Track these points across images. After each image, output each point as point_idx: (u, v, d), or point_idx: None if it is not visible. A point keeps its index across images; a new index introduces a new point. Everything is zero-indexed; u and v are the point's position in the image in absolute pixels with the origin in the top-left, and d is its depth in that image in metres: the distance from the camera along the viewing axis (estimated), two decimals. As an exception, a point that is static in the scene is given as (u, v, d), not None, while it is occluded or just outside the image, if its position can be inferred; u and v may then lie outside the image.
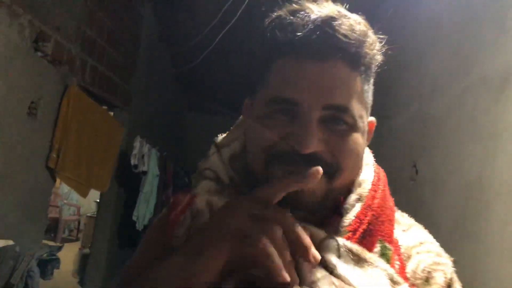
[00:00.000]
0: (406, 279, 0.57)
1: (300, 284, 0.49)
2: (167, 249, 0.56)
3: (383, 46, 0.61)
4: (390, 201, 0.65)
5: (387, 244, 0.58)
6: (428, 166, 2.29)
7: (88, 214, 7.35)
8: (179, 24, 4.36)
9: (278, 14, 0.57)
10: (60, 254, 2.48)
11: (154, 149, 4.24)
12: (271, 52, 0.58)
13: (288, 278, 0.45)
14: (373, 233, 0.57)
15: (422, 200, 2.27)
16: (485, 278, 1.60)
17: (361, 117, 0.57)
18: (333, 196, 0.58)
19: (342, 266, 0.53)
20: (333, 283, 0.51)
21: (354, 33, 0.54)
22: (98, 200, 4.51)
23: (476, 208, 1.73)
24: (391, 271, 0.55)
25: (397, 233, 0.63)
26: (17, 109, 2.30)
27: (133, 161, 3.80)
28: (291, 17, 0.55)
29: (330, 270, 0.52)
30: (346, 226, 0.57)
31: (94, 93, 3.15)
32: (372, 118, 0.66)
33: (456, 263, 1.81)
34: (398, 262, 0.58)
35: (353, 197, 0.60)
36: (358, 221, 0.57)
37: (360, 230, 0.56)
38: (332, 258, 0.53)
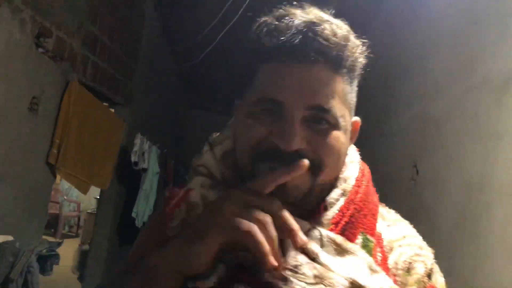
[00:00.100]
0: (387, 269, 0.61)
1: (285, 265, 0.54)
2: (164, 240, 0.59)
3: (366, 49, 0.63)
4: (374, 196, 0.69)
5: (369, 237, 0.62)
6: (429, 166, 2.29)
7: (88, 211, 7.38)
8: (181, 21, 4.36)
9: (264, 19, 0.61)
10: (60, 250, 2.48)
11: (155, 146, 4.25)
12: (258, 56, 0.61)
13: (275, 263, 0.49)
14: (355, 226, 0.61)
15: (423, 200, 2.27)
16: (485, 279, 1.60)
17: (343, 116, 0.60)
18: (317, 191, 0.61)
19: (324, 255, 0.56)
20: (315, 268, 0.55)
21: (335, 37, 0.57)
22: (98, 197, 4.52)
23: (477, 209, 1.73)
24: (370, 260, 0.59)
25: (382, 228, 0.67)
26: (18, 104, 2.30)
27: (133, 158, 3.81)
28: (276, 22, 0.58)
29: (313, 258, 0.56)
30: (330, 219, 0.60)
31: (95, 90, 3.15)
32: (357, 118, 0.69)
33: (456, 264, 1.82)
34: (380, 254, 0.62)
35: (337, 192, 0.63)
36: (341, 214, 0.61)
37: (342, 222, 0.60)
38: (315, 247, 0.57)
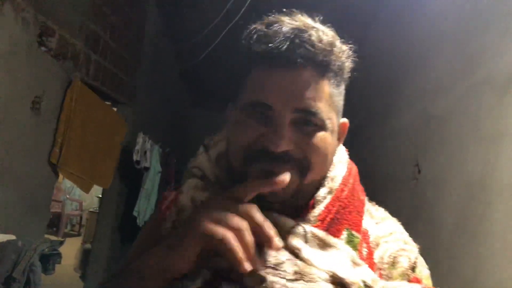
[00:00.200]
0: (373, 264, 0.65)
1: (266, 264, 0.58)
2: (158, 241, 0.62)
3: (352, 53, 0.67)
4: (361, 194, 0.73)
5: (354, 232, 0.65)
6: (430, 166, 2.29)
7: (90, 209, 7.38)
8: (184, 20, 4.36)
9: (254, 26, 0.64)
10: (62, 249, 2.48)
11: (157, 145, 4.25)
12: (248, 61, 0.65)
13: (248, 269, 0.52)
14: (340, 222, 0.65)
15: (424, 200, 2.27)
16: (487, 278, 1.60)
17: (329, 118, 0.63)
18: (306, 190, 0.65)
19: (306, 250, 0.60)
20: (296, 264, 0.58)
21: (321, 43, 0.61)
22: (100, 196, 4.53)
23: (478, 208, 1.73)
24: (353, 253, 0.62)
25: (369, 225, 0.70)
26: (20, 103, 2.30)
27: (135, 157, 3.82)
28: (265, 29, 0.61)
29: (296, 254, 0.60)
30: (316, 215, 0.64)
31: (97, 89, 3.15)
32: (345, 119, 0.73)
33: (458, 263, 1.81)
34: (366, 250, 0.66)
35: (324, 190, 0.67)
36: (327, 211, 0.65)
37: (328, 219, 0.64)
38: (298, 243, 0.60)
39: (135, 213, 3.94)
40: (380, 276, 0.64)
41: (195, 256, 0.55)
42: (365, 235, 0.68)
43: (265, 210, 0.58)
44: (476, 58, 1.93)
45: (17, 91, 2.25)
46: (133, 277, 0.59)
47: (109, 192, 3.83)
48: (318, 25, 0.64)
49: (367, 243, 0.67)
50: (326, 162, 0.66)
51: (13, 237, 2.18)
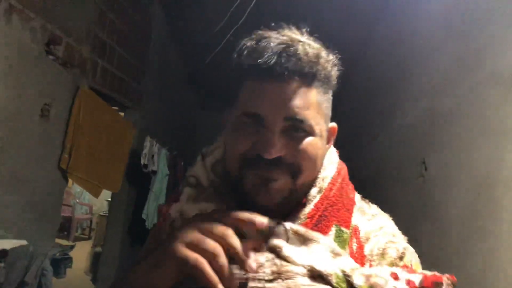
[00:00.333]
0: (363, 257, 0.69)
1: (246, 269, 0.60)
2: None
3: (338, 62, 0.73)
4: (350, 193, 0.77)
5: (343, 228, 0.70)
6: (437, 163, 2.28)
7: (100, 213, 7.44)
8: (189, 23, 4.38)
9: (245, 41, 0.69)
10: (73, 252, 2.51)
11: (164, 149, 4.28)
12: (240, 75, 0.70)
13: None
14: (328, 219, 0.70)
15: (431, 197, 2.27)
16: (495, 274, 1.60)
17: (317, 124, 0.68)
18: (299, 191, 0.69)
19: (287, 248, 0.63)
20: (275, 264, 0.61)
21: (307, 56, 0.65)
22: (110, 199, 4.57)
23: (486, 205, 1.73)
24: (333, 244, 0.66)
25: (361, 221, 0.75)
26: (30, 111, 2.33)
27: (143, 161, 3.85)
28: (255, 45, 0.66)
29: (277, 253, 0.62)
30: (306, 213, 0.69)
31: (105, 94, 3.18)
32: (333, 124, 0.78)
33: (466, 260, 1.81)
34: (356, 244, 0.70)
35: (315, 190, 0.72)
36: (316, 209, 0.70)
37: (316, 216, 0.69)
38: (279, 242, 0.63)
39: (144, 216, 3.97)
40: (371, 267, 0.68)
41: (175, 276, 0.57)
42: (356, 230, 0.72)
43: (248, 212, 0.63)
44: (481, 54, 1.92)
45: (26, 99, 2.28)
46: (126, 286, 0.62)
47: (118, 196, 3.86)
48: (304, 38, 0.69)
49: (357, 238, 0.71)
50: (315, 164, 0.70)
51: (24, 242, 2.22)
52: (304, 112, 0.66)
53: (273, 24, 0.70)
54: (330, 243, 0.66)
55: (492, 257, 1.64)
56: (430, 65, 2.53)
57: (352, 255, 0.68)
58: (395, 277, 0.61)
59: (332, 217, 0.70)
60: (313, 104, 0.67)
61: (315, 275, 0.62)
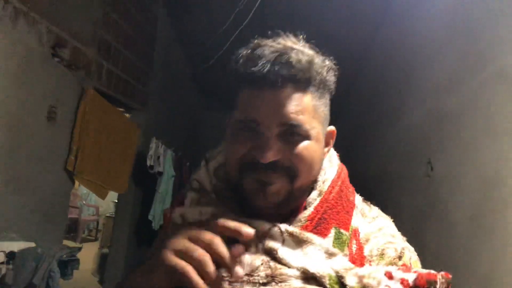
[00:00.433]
0: (363, 258, 0.71)
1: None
2: None
3: (334, 66, 0.74)
4: (350, 195, 0.78)
5: (342, 230, 0.72)
6: (443, 162, 2.28)
7: (107, 214, 7.47)
8: (194, 24, 4.40)
9: (241, 50, 0.71)
10: (80, 254, 2.53)
11: (170, 150, 4.29)
12: (238, 83, 0.72)
13: None
14: (327, 221, 0.71)
15: (438, 197, 2.26)
16: (503, 274, 1.59)
17: (313, 128, 0.70)
18: (296, 194, 0.71)
19: (282, 250, 0.65)
20: (269, 267, 0.63)
21: (300, 63, 0.67)
22: (116, 201, 4.59)
23: (493, 204, 1.72)
24: (326, 244, 0.68)
25: (361, 223, 0.76)
26: (36, 114, 2.35)
27: (148, 162, 3.86)
28: (250, 54, 0.69)
29: (273, 255, 0.65)
30: (306, 216, 0.71)
31: (110, 96, 3.20)
32: (332, 127, 0.79)
33: (473, 259, 1.79)
34: (355, 246, 0.72)
35: (315, 193, 0.75)
36: (315, 212, 0.72)
37: (316, 219, 0.71)
38: (275, 244, 0.66)
39: (150, 218, 3.98)
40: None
41: (167, 283, 0.59)
42: (355, 232, 0.74)
43: (244, 215, 0.68)
44: (487, 53, 1.91)
45: (32, 102, 2.30)
46: None
47: (124, 197, 3.88)
48: (299, 45, 0.71)
49: (357, 239, 0.73)
50: (312, 167, 0.71)
51: (32, 244, 2.23)
52: (299, 117, 0.68)
53: (269, 32, 0.73)
54: (325, 243, 0.68)
55: (499, 257, 1.63)
56: (435, 65, 2.52)
57: (351, 256, 0.70)
58: (390, 276, 0.62)
59: (331, 219, 0.72)
60: (308, 109, 0.69)
61: (309, 277, 0.63)
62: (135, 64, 3.60)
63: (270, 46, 0.69)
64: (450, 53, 2.33)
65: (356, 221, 0.76)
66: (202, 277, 0.56)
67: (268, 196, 0.68)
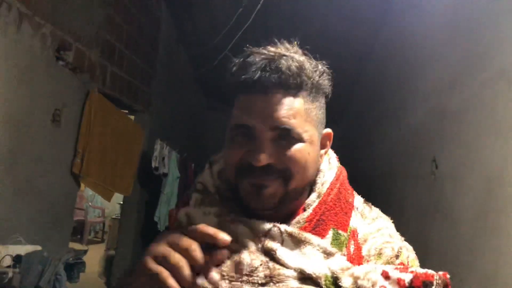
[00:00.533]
0: (361, 257, 0.72)
1: (242, 272, 0.64)
2: None
3: (326, 70, 0.76)
4: (349, 197, 0.79)
5: (340, 231, 0.73)
6: (448, 161, 2.27)
7: (113, 216, 7.49)
8: (197, 25, 4.40)
9: (235, 59, 0.73)
10: (86, 256, 2.54)
11: (174, 151, 4.30)
12: (232, 90, 0.75)
13: None
14: (325, 223, 0.73)
15: (442, 195, 2.26)
16: (508, 272, 1.59)
17: (306, 131, 0.72)
18: (292, 196, 0.73)
19: (281, 250, 0.67)
20: (268, 268, 0.65)
21: (290, 70, 0.69)
22: (122, 202, 4.60)
23: (497, 202, 1.72)
24: (325, 245, 0.69)
25: (360, 224, 0.78)
26: (41, 117, 2.36)
27: (153, 164, 3.86)
28: (242, 62, 0.71)
29: (272, 255, 0.66)
30: (305, 218, 0.72)
31: (115, 98, 3.21)
32: (328, 130, 0.81)
33: (478, 258, 1.79)
34: (353, 246, 0.73)
35: (314, 195, 0.76)
36: (314, 213, 0.73)
37: (314, 220, 0.72)
38: (274, 245, 0.67)
39: (156, 219, 3.99)
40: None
41: (149, 286, 0.60)
42: (354, 233, 0.75)
43: (244, 217, 0.70)
44: (490, 51, 1.91)
45: (37, 105, 2.31)
46: None
47: (129, 199, 3.90)
48: (290, 52, 0.73)
49: (355, 240, 0.74)
50: (306, 169, 0.73)
51: (38, 247, 2.24)
52: (291, 120, 0.70)
53: (263, 41, 0.75)
54: (323, 243, 0.69)
55: (503, 254, 1.62)
56: (439, 64, 2.51)
57: (349, 256, 0.71)
58: (386, 276, 0.62)
59: (329, 221, 0.73)
60: (300, 113, 0.71)
61: (306, 278, 0.65)
62: (139, 66, 3.61)
63: (261, 53, 0.71)
64: (452, 52, 2.32)
65: (355, 222, 0.77)
66: (179, 282, 0.58)
67: (264, 199, 0.70)
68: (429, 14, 2.79)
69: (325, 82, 0.76)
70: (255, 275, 0.64)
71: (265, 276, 0.64)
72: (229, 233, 0.65)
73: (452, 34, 2.36)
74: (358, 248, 0.74)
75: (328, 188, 0.77)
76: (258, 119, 0.70)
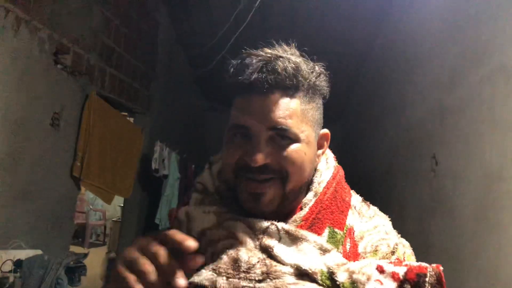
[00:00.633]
0: (357, 254, 0.74)
1: (239, 269, 0.65)
2: None
3: (322, 71, 0.76)
4: (346, 196, 0.80)
5: (336, 230, 0.74)
6: (447, 157, 2.27)
7: (114, 219, 7.48)
8: (195, 26, 4.40)
9: (233, 61, 0.74)
10: (88, 259, 2.53)
11: (174, 152, 4.30)
12: (230, 91, 0.76)
13: None
14: (321, 221, 0.74)
15: (443, 191, 2.26)
16: (508, 268, 1.59)
17: (302, 132, 0.73)
18: (289, 197, 0.74)
19: (278, 247, 0.68)
20: (265, 264, 0.66)
21: (286, 71, 0.71)
22: (122, 205, 4.60)
23: (497, 198, 1.72)
24: (321, 242, 0.70)
25: (357, 223, 0.79)
26: (40, 121, 2.36)
27: (153, 165, 3.86)
28: (239, 64, 0.73)
29: (269, 252, 0.67)
30: (302, 216, 0.74)
31: (114, 100, 3.21)
32: (325, 130, 0.82)
33: (479, 254, 1.79)
34: (349, 244, 0.75)
35: (311, 194, 0.77)
36: (310, 212, 0.74)
37: (310, 219, 0.74)
38: (271, 242, 0.68)
39: (157, 221, 3.99)
40: None
41: None
42: (350, 231, 0.77)
43: (244, 215, 0.71)
44: (488, 47, 1.91)
45: (36, 109, 2.31)
46: None
47: (130, 201, 3.89)
48: (287, 54, 0.74)
49: (352, 238, 0.76)
50: (302, 169, 0.74)
51: (39, 251, 2.24)
52: (287, 121, 0.71)
53: (262, 41, 0.76)
54: (319, 240, 0.70)
55: (505, 251, 1.62)
56: (438, 60, 2.51)
57: (345, 254, 0.72)
58: (381, 270, 0.63)
59: (325, 219, 0.74)
60: (297, 113, 0.72)
61: (302, 273, 0.66)
62: (138, 68, 3.61)
63: (258, 55, 0.72)
64: (452, 48, 2.32)
65: (352, 220, 0.79)
66: (147, 287, 0.58)
67: (263, 206, 0.71)
68: (428, 11, 2.79)
69: (322, 83, 0.77)
70: (252, 272, 0.65)
71: (262, 273, 0.65)
72: (227, 231, 0.68)
73: (450, 30, 2.36)
74: (354, 245, 0.75)
75: (324, 187, 0.78)
76: (255, 119, 0.71)
